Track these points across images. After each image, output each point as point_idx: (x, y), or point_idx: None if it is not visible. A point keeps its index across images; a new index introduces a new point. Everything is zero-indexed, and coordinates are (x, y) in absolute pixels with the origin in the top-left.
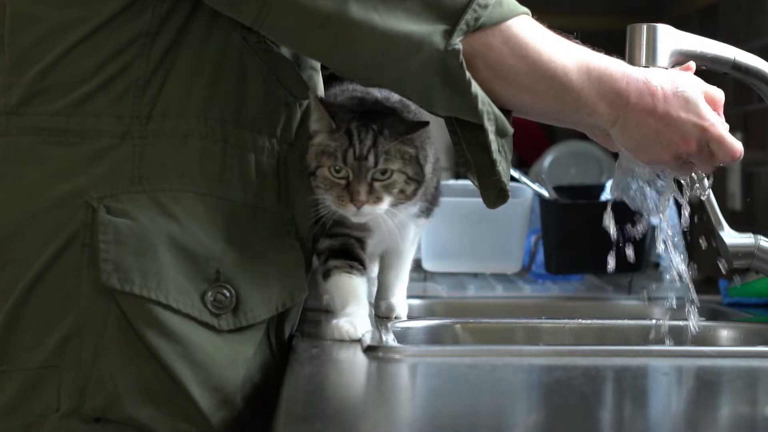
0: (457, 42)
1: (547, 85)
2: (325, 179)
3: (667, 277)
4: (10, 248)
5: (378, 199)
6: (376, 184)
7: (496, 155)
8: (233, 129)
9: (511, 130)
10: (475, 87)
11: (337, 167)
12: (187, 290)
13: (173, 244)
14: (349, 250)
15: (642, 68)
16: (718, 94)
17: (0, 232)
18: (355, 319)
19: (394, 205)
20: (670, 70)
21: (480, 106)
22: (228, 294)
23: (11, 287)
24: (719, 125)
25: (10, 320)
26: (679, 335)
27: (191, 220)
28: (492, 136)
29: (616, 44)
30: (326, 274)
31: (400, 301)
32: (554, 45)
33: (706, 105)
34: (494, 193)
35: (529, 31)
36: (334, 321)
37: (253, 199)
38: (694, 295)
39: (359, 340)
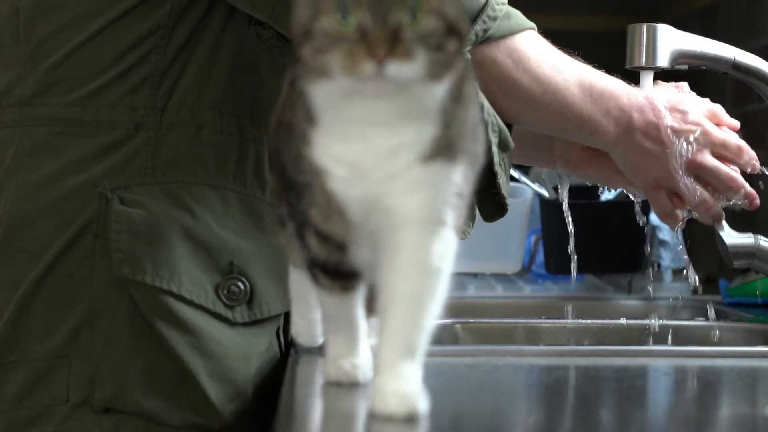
0: (466, 52)
1: (549, 100)
2: (326, 35)
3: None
4: (21, 238)
5: (408, 53)
6: (405, 33)
7: (497, 167)
8: (248, 124)
9: (512, 144)
10: (482, 97)
11: (344, 9)
12: (200, 281)
13: (186, 235)
14: (338, 265)
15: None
16: (718, 108)
17: (12, 221)
18: (357, 360)
19: (431, 69)
20: (674, 91)
21: (485, 116)
22: (242, 286)
23: (22, 277)
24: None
25: (20, 310)
26: (678, 335)
27: (205, 212)
28: (494, 148)
29: (616, 44)
30: (315, 282)
31: (417, 386)
32: (557, 61)
33: (713, 125)
34: (492, 206)
35: (534, 46)
36: (332, 361)
37: (268, 194)
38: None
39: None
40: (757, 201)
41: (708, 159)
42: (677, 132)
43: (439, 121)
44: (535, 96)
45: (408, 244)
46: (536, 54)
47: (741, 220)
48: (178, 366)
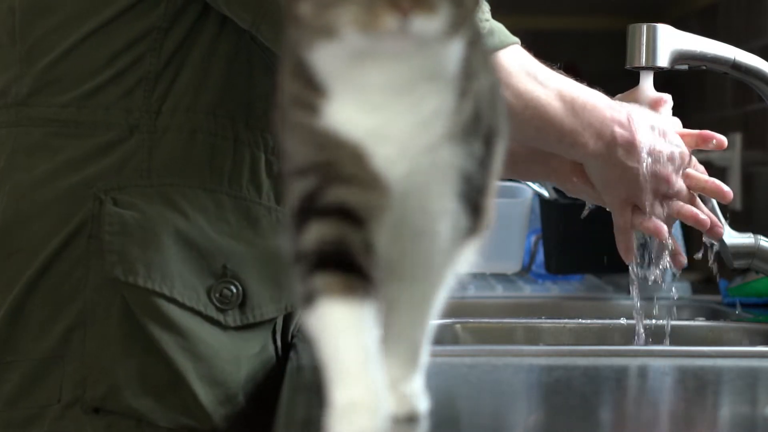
0: (480, 20)
1: (530, 115)
2: None
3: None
4: (17, 238)
5: (433, 6)
6: None
7: None
8: (243, 128)
9: None
10: None
11: None
12: (193, 284)
13: (179, 238)
14: (347, 252)
15: (626, 104)
16: (676, 121)
17: (8, 221)
18: (369, 407)
19: (452, 27)
20: (655, 109)
21: None
22: (234, 289)
23: (17, 277)
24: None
25: (15, 310)
26: (678, 335)
27: (199, 216)
28: None
29: (616, 44)
30: (308, 299)
31: (418, 386)
32: (539, 76)
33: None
34: None
35: (517, 62)
36: (338, 409)
37: (264, 198)
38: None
39: None
40: (684, 261)
41: (677, 179)
42: (655, 152)
43: (457, 87)
44: (516, 111)
45: (427, 242)
46: (519, 69)
47: (741, 220)
48: (168, 368)
